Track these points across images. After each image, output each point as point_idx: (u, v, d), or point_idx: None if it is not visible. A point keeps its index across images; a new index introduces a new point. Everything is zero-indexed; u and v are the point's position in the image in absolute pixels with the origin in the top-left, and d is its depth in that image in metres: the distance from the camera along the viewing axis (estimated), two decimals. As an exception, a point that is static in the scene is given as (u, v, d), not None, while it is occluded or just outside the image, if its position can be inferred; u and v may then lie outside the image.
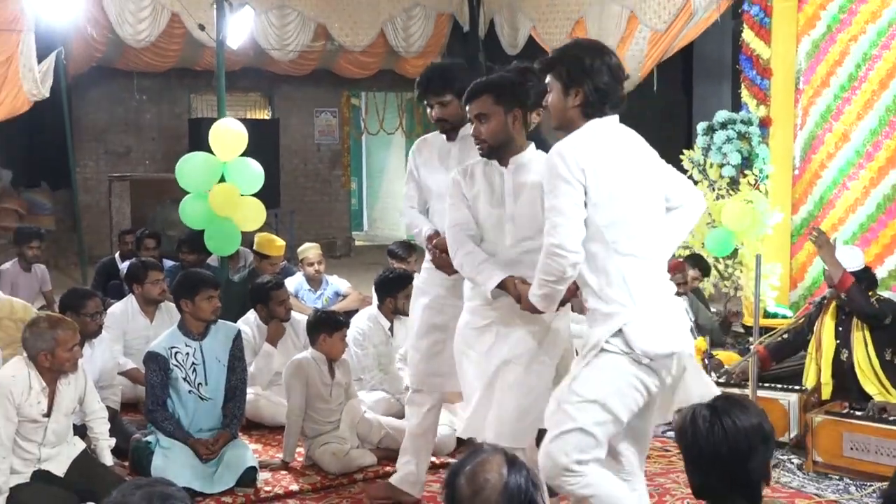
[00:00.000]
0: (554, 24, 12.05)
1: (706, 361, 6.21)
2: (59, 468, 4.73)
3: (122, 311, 6.67)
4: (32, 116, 11.14)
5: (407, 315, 5.59)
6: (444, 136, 4.57)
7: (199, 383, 5.20)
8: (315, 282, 7.77)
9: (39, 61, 10.57)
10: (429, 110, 4.55)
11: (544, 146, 3.71)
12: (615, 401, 3.35)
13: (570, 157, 3.32)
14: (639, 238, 3.42)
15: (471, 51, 13.63)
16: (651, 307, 3.40)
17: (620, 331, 3.35)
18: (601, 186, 3.34)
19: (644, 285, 3.40)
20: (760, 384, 5.68)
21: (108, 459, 4.92)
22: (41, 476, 4.64)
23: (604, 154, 3.38)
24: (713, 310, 8.19)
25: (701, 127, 8.72)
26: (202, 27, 10.73)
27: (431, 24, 13.41)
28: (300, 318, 6.31)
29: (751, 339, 6.16)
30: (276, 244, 7.64)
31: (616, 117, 3.50)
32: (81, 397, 4.86)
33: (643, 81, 11.09)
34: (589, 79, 3.40)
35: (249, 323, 6.36)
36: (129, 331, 6.60)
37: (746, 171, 8.40)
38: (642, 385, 3.39)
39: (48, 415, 4.64)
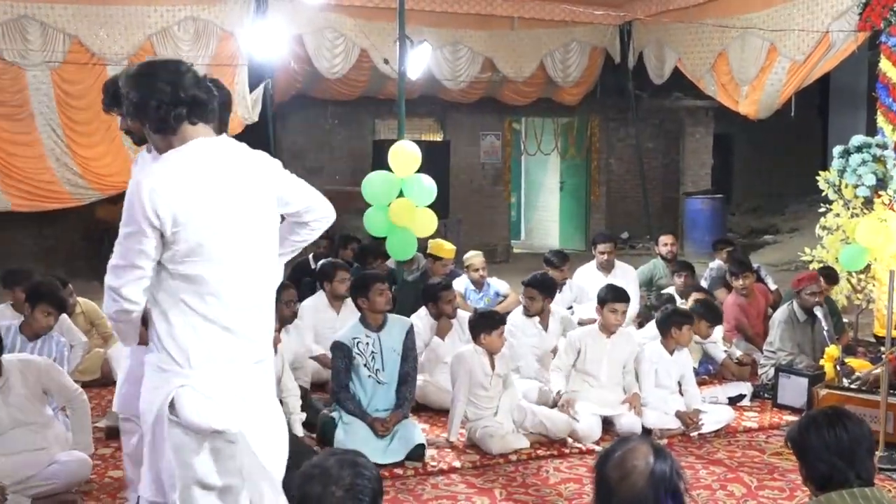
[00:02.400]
0: (698, 56, 11.72)
1: (838, 368, 5.91)
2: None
3: (314, 305, 6.87)
4: (244, 138, 11.56)
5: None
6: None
7: (377, 369, 5.30)
8: (478, 284, 7.81)
9: (251, 91, 11.05)
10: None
11: None
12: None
13: (148, 197, 2.60)
14: (226, 301, 2.68)
15: (621, 80, 13.41)
16: (212, 376, 2.67)
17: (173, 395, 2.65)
18: (182, 236, 2.62)
19: (210, 351, 2.68)
20: (892, 391, 5.35)
21: (299, 431, 5.07)
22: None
23: (193, 196, 2.63)
24: (845, 320, 7.79)
25: (837, 150, 8.31)
26: (386, 61, 10.95)
27: (586, 56, 13.26)
28: (465, 315, 6.34)
29: (882, 348, 5.83)
30: (446, 248, 7.71)
31: (221, 138, 2.87)
32: (279, 377, 5.03)
33: (781, 108, 10.65)
34: (144, 102, 2.67)
35: (421, 317, 6.42)
36: (318, 322, 6.78)
37: (881, 192, 7.95)
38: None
39: None
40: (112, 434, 5.46)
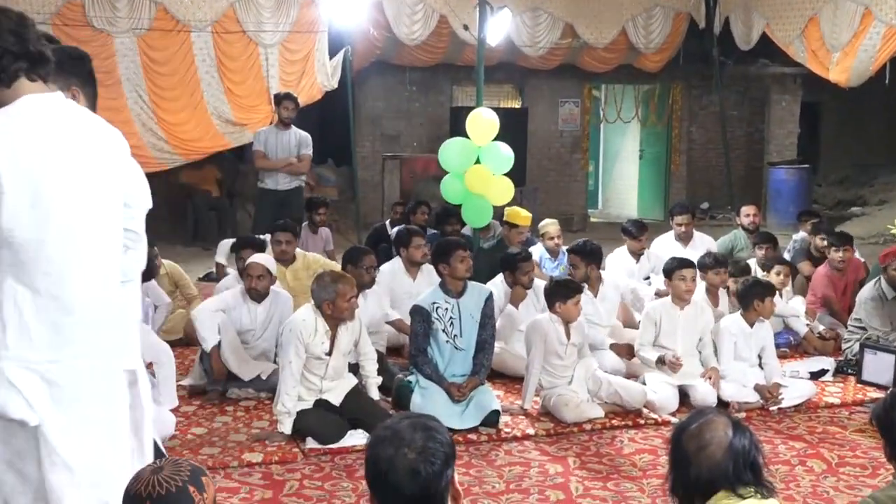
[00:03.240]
0: (788, 21, 11.35)
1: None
2: (335, 399, 5.00)
3: (391, 270, 6.93)
4: (323, 104, 11.74)
5: None
6: None
7: (455, 335, 5.33)
8: (554, 253, 7.77)
9: (331, 58, 11.13)
10: None
11: None
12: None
13: None
14: (57, 280, 2.37)
15: (705, 46, 13.10)
16: (29, 361, 2.36)
17: None
18: (5, 199, 2.29)
19: (36, 333, 2.36)
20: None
21: (375, 394, 5.15)
22: (321, 404, 4.93)
23: (24, 157, 2.32)
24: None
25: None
26: (466, 27, 10.90)
27: (670, 22, 12.98)
28: (540, 284, 6.32)
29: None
30: (523, 215, 7.69)
31: (56, 95, 2.47)
32: (356, 340, 5.11)
33: (874, 75, 10.26)
34: None
35: (496, 285, 6.42)
36: (395, 287, 6.83)
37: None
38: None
39: (329, 354, 4.91)
40: (195, 392, 5.65)
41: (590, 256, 6.29)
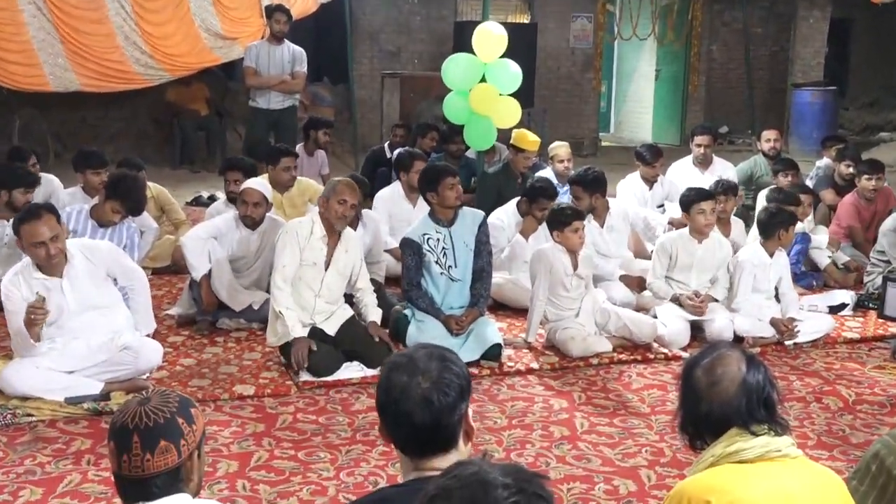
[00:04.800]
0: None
1: None
2: (331, 328, 5.05)
3: (390, 196, 6.92)
4: (318, 18, 11.57)
5: None
6: None
7: (450, 266, 5.33)
8: (563, 177, 7.72)
9: (326, -34, 10.93)
10: None
11: None
12: None
13: None
14: None
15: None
16: None
17: None
18: None
19: None
20: None
21: (374, 315, 5.14)
22: (315, 334, 4.97)
23: None
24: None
25: None
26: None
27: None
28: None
29: None
30: (530, 139, 7.61)
31: None
32: (354, 268, 5.12)
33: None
34: None
35: (508, 213, 6.39)
36: (394, 213, 6.84)
37: None
38: None
39: (326, 269, 4.95)
40: (184, 322, 5.69)
41: (592, 185, 6.25)
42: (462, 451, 2.02)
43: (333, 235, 5.00)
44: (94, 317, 4.59)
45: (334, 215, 4.93)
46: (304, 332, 4.89)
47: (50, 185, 6.93)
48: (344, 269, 5.06)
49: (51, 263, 4.43)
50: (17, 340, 4.45)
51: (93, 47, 10.25)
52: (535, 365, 5.17)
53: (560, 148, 7.84)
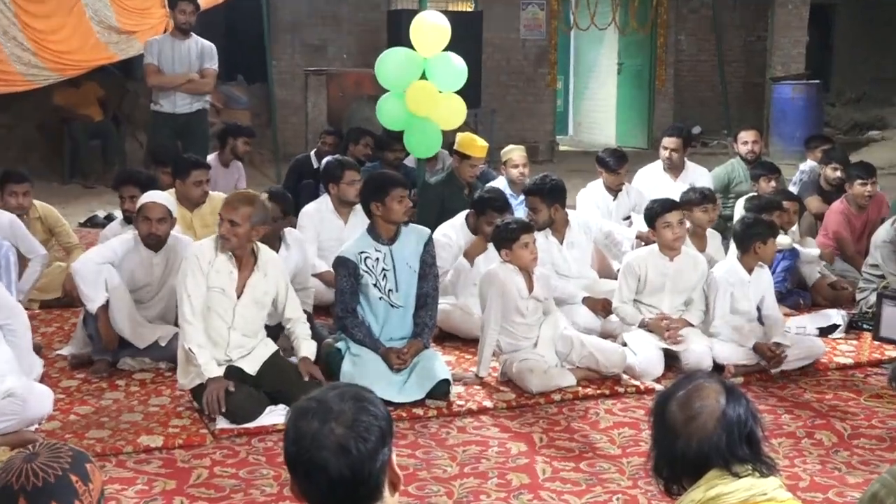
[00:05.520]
0: None
1: None
2: (250, 366, 5.01)
3: (317, 211, 6.90)
4: (230, 7, 11.52)
5: None
6: None
7: (390, 290, 5.33)
8: (518, 186, 7.73)
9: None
10: None
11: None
12: None
13: None
14: None
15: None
16: None
17: None
18: None
19: None
20: None
21: (306, 351, 5.08)
22: (233, 372, 4.92)
23: None
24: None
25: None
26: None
27: None
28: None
29: None
30: (478, 144, 7.64)
31: None
32: (276, 297, 5.09)
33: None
34: None
35: (456, 228, 6.40)
36: (322, 232, 6.82)
37: None
38: None
39: (238, 297, 4.90)
40: (78, 364, 5.60)
41: (551, 195, 6.30)
42: None
43: (247, 258, 4.96)
44: None
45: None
46: (220, 372, 4.85)
47: None
48: (262, 297, 5.03)
49: None
50: None
51: (-36, 44, 10.09)
52: (488, 403, 5.17)
53: (514, 152, 7.89)
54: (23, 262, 6.25)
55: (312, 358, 5.14)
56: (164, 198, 5.79)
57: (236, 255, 4.92)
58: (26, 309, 5.35)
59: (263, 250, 5.09)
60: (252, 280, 4.97)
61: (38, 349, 5.52)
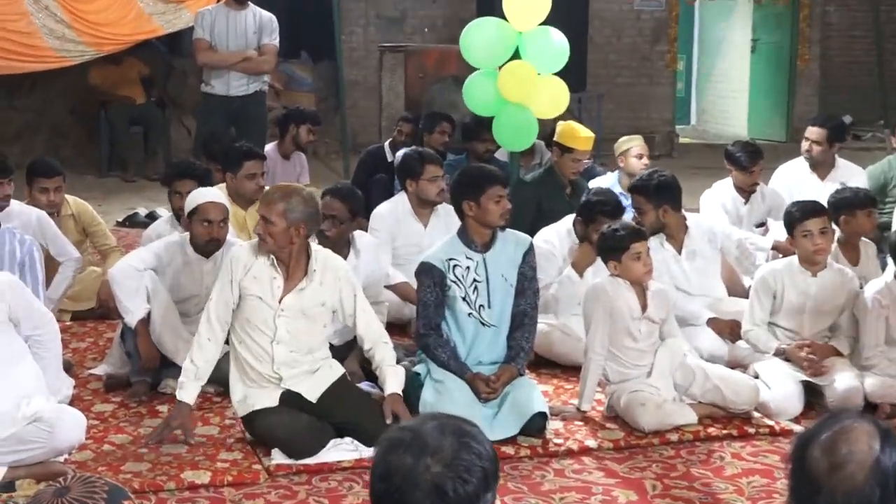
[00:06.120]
0: None
1: None
2: (311, 392, 5.01)
3: (391, 212, 6.94)
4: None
5: None
6: None
7: (481, 305, 5.33)
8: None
9: None
10: None
11: None
12: None
13: None
14: None
15: None
16: None
17: None
18: None
19: None
20: None
21: (393, 386, 5.04)
22: (290, 400, 4.96)
23: None
24: None
25: None
26: None
27: None
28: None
29: None
30: (582, 135, 7.62)
31: None
32: (338, 310, 5.08)
33: None
34: None
35: (560, 234, 6.38)
36: (398, 236, 6.85)
37: None
38: None
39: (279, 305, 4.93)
40: (114, 384, 5.70)
41: (658, 194, 6.24)
42: None
43: (296, 263, 4.97)
44: None
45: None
46: (192, 395, 4.95)
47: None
48: (313, 309, 4.99)
49: None
50: None
51: (-9, 15, 10.36)
52: (591, 442, 5.16)
53: (634, 140, 7.89)
54: (52, 266, 6.34)
55: (400, 391, 5.06)
56: (221, 196, 5.87)
57: (280, 259, 4.95)
58: (56, 320, 5.43)
59: (322, 255, 5.07)
60: (300, 288, 4.98)
61: (68, 367, 5.64)
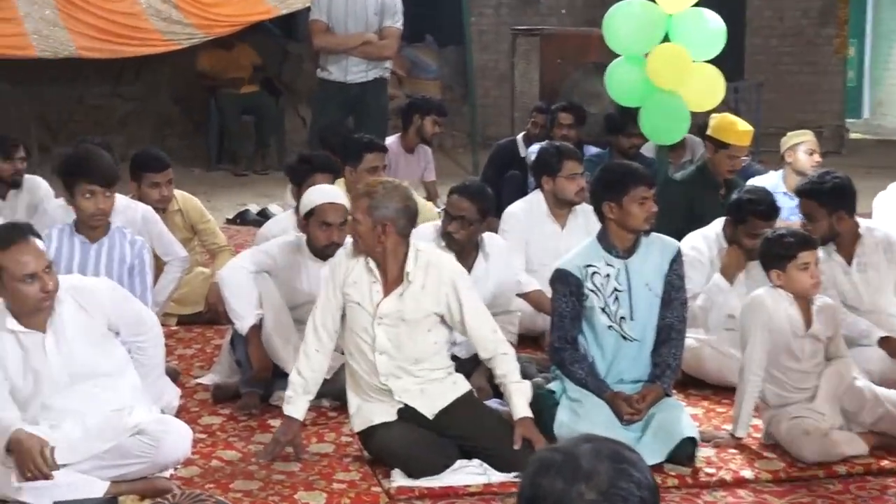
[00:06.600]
0: None
1: None
2: (427, 407, 5.03)
3: (525, 212, 6.95)
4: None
5: None
6: None
7: (622, 317, 5.31)
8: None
9: None
10: None
11: None
12: None
13: None
14: None
15: None
16: None
17: None
18: None
19: None
20: None
21: (522, 410, 5.01)
22: (409, 416, 5.00)
23: None
24: None
25: None
26: None
27: None
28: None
29: None
30: (739, 129, 7.55)
31: None
32: (448, 313, 5.03)
33: None
34: None
35: (709, 239, 6.34)
36: (532, 239, 6.85)
37: None
38: None
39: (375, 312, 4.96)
40: (223, 396, 5.81)
41: (832, 199, 6.14)
42: None
43: (393, 266, 4.96)
44: (91, 389, 4.71)
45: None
46: (302, 410, 5.03)
47: (35, 192, 7.20)
48: (413, 316, 4.99)
49: (41, 307, 4.59)
50: None
51: (94, -6, 10.60)
52: (747, 473, 5.11)
53: (805, 135, 7.81)
54: (157, 266, 6.42)
55: (530, 413, 5.03)
56: (342, 195, 5.93)
57: (376, 261, 4.97)
58: (161, 325, 5.53)
59: (425, 256, 5.06)
60: (399, 293, 4.98)
61: (174, 376, 5.76)
